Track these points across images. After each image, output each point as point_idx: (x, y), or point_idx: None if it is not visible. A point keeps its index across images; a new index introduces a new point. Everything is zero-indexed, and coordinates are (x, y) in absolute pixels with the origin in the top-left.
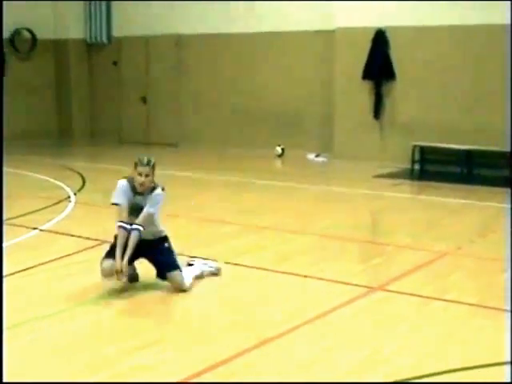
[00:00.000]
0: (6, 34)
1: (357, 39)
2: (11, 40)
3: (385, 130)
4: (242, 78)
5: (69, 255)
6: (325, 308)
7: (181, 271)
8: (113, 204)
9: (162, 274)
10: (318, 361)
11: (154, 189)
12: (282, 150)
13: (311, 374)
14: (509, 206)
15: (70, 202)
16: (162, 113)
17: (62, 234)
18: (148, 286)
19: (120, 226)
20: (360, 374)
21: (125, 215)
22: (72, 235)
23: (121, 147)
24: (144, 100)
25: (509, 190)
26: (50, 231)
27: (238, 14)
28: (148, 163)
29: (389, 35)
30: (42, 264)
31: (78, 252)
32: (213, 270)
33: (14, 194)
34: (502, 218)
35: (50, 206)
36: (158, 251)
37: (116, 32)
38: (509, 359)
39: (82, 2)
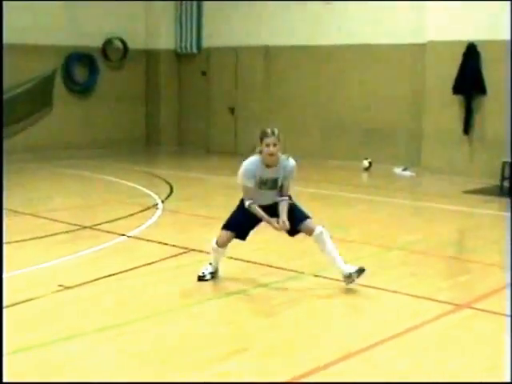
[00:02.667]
0: (98, 43)
1: (448, 53)
2: (103, 49)
3: (474, 145)
4: (331, 90)
5: (156, 262)
6: (412, 323)
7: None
8: (242, 184)
9: (295, 224)
10: (401, 377)
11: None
12: (370, 163)
13: None
14: None
15: (157, 209)
16: (249, 123)
17: (149, 240)
18: (232, 295)
19: (251, 204)
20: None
21: (250, 193)
22: (159, 242)
23: (208, 157)
24: (232, 111)
25: None
26: (138, 238)
27: (327, 27)
28: (273, 133)
29: (480, 49)
30: (130, 270)
31: (164, 259)
32: None
33: (103, 200)
34: None
35: (138, 212)
36: (290, 209)
37: (206, 42)
38: None
39: (173, 12)
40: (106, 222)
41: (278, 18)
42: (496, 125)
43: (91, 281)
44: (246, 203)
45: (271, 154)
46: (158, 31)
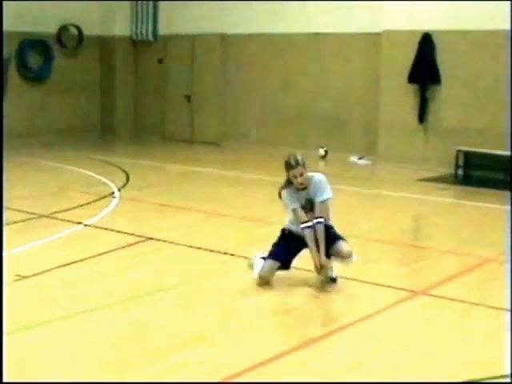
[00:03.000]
0: (53, 30)
1: (403, 42)
2: (58, 35)
3: (429, 134)
4: (286, 78)
5: (113, 250)
6: (368, 311)
7: (346, 242)
8: (292, 210)
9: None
10: (361, 363)
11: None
12: (326, 151)
13: (356, 376)
14: None
15: (114, 197)
16: (205, 111)
17: (107, 229)
18: (190, 283)
19: (304, 228)
20: (404, 376)
21: (303, 216)
22: (116, 231)
23: (164, 145)
24: (188, 98)
25: None
26: (95, 226)
27: (283, 15)
28: (297, 163)
29: (435, 39)
30: (88, 258)
31: (122, 247)
32: None
33: (59, 189)
34: None
35: (95, 201)
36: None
37: (162, 30)
38: None
39: None
40: (63, 211)
41: (235, 6)
42: (450, 114)
43: (49, 270)
44: (301, 226)
45: (301, 184)
46: (113, 18)
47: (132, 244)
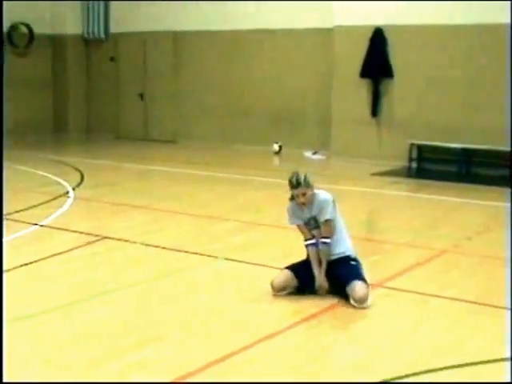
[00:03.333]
0: (3, 28)
1: (355, 37)
2: (8, 34)
3: (382, 128)
4: (240, 75)
5: (69, 250)
6: (327, 304)
7: (365, 281)
8: (297, 226)
9: (340, 286)
10: (317, 356)
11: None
12: (280, 147)
13: (309, 371)
14: (507, 204)
15: (68, 197)
16: (159, 109)
17: (62, 229)
18: (148, 282)
19: (307, 245)
20: (359, 369)
21: (306, 232)
22: (72, 230)
23: (118, 143)
24: (141, 96)
25: (506, 188)
26: (50, 226)
27: (235, 12)
28: (299, 184)
29: (387, 34)
30: (44, 259)
31: (78, 247)
32: None
33: (13, 189)
34: (499, 216)
35: (49, 201)
36: (340, 265)
37: (113, 28)
38: (508, 356)
39: None
40: (17, 212)
41: (186, 3)
42: (403, 108)
43: (5, 271)
44: (304, 243)
45: (303, 204)
46: (64, 17)
47: (88, 243)
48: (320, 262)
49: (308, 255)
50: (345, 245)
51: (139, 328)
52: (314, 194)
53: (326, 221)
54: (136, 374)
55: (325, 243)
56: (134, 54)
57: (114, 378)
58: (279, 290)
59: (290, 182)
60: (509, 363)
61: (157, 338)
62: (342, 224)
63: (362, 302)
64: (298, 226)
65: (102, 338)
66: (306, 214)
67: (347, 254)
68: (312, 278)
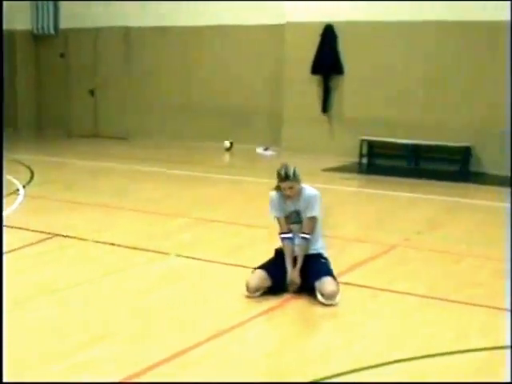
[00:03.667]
0: None
1: (306, 34)
2: None
3: (333, 124)
4: (191, 71)
5: (20, 248)
6: (277, 300)
7: (335, 279)
8: (275, 218)
9: (309, 282)
10: (272, 350)
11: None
12: (231, 143)
13: (262, 366)
14: (457, 199)
15: (18, 195)
16: (110, 106)
17: (12, 227)
18: (97, 280)
19: (284, 238)
20: (310, 364)
21: (284, 226)
22: (22, 228)
23: (69, 140)
24: (92, 93)
25: (456, 183)
26: None
27: (186, 7)
28: (287, 177)
29: (338, 30)
30: None
31: (29, 245)
32: None
33: None
34: (448, 211)
35: None
36: (310, 262)
37: (64, 23)
38: (459, 348)
39: None
40: None
41: None
42: (353, 104)
43: None
44: (281, 236)
45: (289, 196)
46: (13, 12)
47: (39, 241)
48: (294, 258)
49: (276, 253)
50: (319, 243)
51: (89, 326)
52: (301, 188)
53: (312, 217)
54: (85, 372)
55: (305, 239)
56: (84, 50)
57: (62, 377)
58: (254, 292)
59: (279, 174)
60: (458, 356)
61: (107, 336)
62: (320, 222)
63: (330, 298)
64: (278, 218)
65: (51, 336)
66: (290, 207)
67: (319, 251)
68: (284, 277)
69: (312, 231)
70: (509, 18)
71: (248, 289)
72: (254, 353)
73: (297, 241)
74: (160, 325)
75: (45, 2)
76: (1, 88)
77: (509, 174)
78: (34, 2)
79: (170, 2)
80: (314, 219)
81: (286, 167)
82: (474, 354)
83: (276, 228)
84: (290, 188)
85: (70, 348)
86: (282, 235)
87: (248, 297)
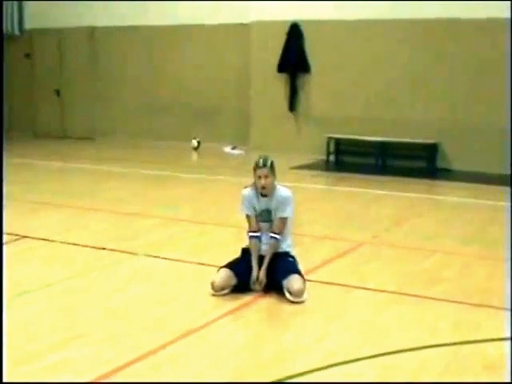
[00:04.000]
0: None
1: (272, 33)
2: None
3: (300, 122)
4: (156, 70)
5: None
6: (247, 298)
7: (302, 277)
8: (246, 216)
9: (276, 281)
10: (243, 347)
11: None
12: (198, 142)
13: (231, 366)
14: (423, 195)
15: None
16: (77, 106)
17: None
18: (66, 281)
19: (251, 237)
20: (280, 361)
21: (253, 224)
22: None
23: (35, 141)
24: (58, 93)
25: (423, 180)
26: None
27: (152, 7)
28: (265, 164)
29: (303, 29)
30: None
31: None
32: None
33: None
34: (416, 207)
35: None
36: (277, 260)
37: (28, 24)
38: (429, 343)
39: None
40: None
41: None
42: (320, 102)
43: None
44: (249, 234)
45: (263, 187)
46: None
47: (7, 243)
48: (261, 257)
49: (243, 252)
50: (287, 242)
51: (58, 327)
52: (275, 187)
53: (284, 218)
54: (56, 373)
55: (274, 238)
56: (50, 50)
57: (34, 378)
58: (219, 290)
59: (256, 162)
60: (429, 350)
61: (77, 337)
62: (290, 222)
63: (297, 295)
64: (248, 216)
65: (22, 338)
66: (262, 205)
67: (286, 250)
68: (250, 275)
69: (282, 231)
70: (484, 17)
71: (213, 287)
72: (224, 351)
73: (265, 239)
74: (130, 324)
75: (9, 1)
76: (0, 90)
77: (474, 170)
78: None
79: (136, 1)
80: (285, 220)
81: (263, 157)
82: (444, 349)
83: (244, 227)
84: (266, 177)
85: (42, 349)
86: (250, 233)
87: (214, 295)
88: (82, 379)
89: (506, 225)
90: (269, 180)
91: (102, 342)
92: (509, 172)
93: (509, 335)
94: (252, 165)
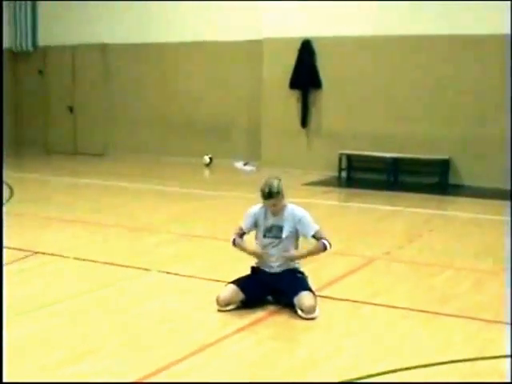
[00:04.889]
0: None
1: (284, 49)
2: None
3: (312, 138)
4: (170, 87)
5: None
6: (259, 314)
7: (312, 293)
8: (240, 228)
9: (287, 298)
10: (256, 363)
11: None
12: (210, 158)
13: (249, 380)
14: (436, 211)
15: None
16: (89, 122)
17: None
18: (81, 296)
19: (233, 238)
20: (293, 377)
21: (238, 235)
22: (5, 246)
23: (48, 157)
24: (71, 109)
25: (435, 195)
26: None
27: (164, 23)
28: (271, 194)
29: (315, 45)
30: None
31: (10, 263)
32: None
33: None
34: (428, 223)
35: None
36: (287, 278)
37: (41, 40)
38: (441, 360)
39: (6, 10)
40: None
41: (115, 15)
42: (332, 118)
43: None
44: (232, 238)
45: (274, 213)
46: None
47: (19, 259)
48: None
49: (252, 270)
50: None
51: (73, 342)
52: (286, 204)
53: (317, 231)
54: None
55: (321, 241)
56: (62, 67)
57: None
58: (225, 305)
59: (262, 192)
60: (441, 367)
61: (91, 351)
62: (300, 238)
63: (309, 312)
64: (240, 226)
65: (36, 352)
66: (268, 221)
67: (295, 266)
68: (258, 292)
69: (324, 237)
70: (472, 33)
71: (218, 302)
72: (237, 367)
73: (273, 255)
74: (143, 340)
75: (23, 18)
76: (0, 94)
77: (486, 186)
78: (12, 19)
79: (149, 18)
80: (318, 232)
81: (269, 185)
82: (457, 365)
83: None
84: (274, 205)
85: (55, 364)
86: (235, 236)
87: (220, 311)
88: None
89: None
90: (278, 206)
91: (113, 357)
92: None
93: None
94: (263, 181)
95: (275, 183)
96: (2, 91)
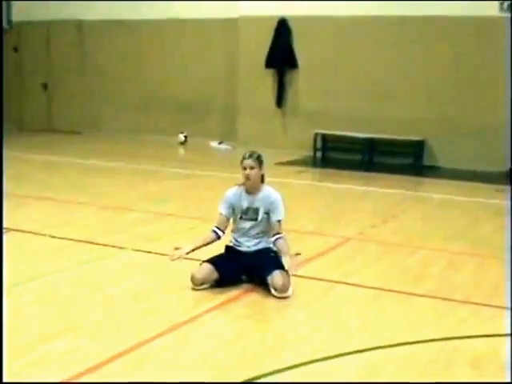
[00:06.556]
0: None
1: (260, 28)
2: None
3: (287, 118)
4: (144, 65)
5: None
6: (232, 294)
7: (286, 272)
8: (220, 213)
9: (261, 277)
10: (230, 341)
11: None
12: (185, 137)
13: (217, 359)
14: (410, 192)
15: None
16: (64, 99)
17: None
18: (55, 274)
19: (214, 231)
20: (265, 356)
21: (222, 224)
22: None
23: (21, 134)
24: (45, 86)
25: (409, 177)
26: None
27: (140, 1)
28: (251, 155)
29: (291, 24)
30: None
31: None
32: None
33: None
34: (402, 204)
35: None
36: (260, 257)
37: (16, 17)
38: (412, 339)
39: None
40: None
41: None
42: (307, 98)
43: None
44: (212, 228)
45: (247, 178)
46: None
47: None
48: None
49: (226, 249)
50: (269, 238)
51: (47, 321)
52: (262, 185)
53: (279, 220)
54: (44, 366)
55: (281, 238)
56: (37, 44)
57: (25, 370)
58: (200, 284)
59: (243, 156)
60: (413, 346)
61: (68, 329)
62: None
63: (282, 291)
64: (221, 214)
65: (9, 331)
66: (247, 203)
67: (268, 246)
68: (233, 271)
69: (281, 231)
70: (475, 15)
71: (193, 281)
72: (210, 345)
73: (248, 237)
74: (119, 318)
75: None
76: (0, 89)
77: (460, 167)
78: None
79: None
80: (281, 221)
81: (252, 151)
82: (429, 345)
83: (230, 224)
84: (251, 168)
85: (30, 342)
86: (215, 228)
87: (194, 289)
88: (69, 372)
89: (492, 222)
90: (254, 171)
91: (89, 335)
92: (494, 169)
93: (493, 332)
94: (239, 160)
95: (257, 152)
96: (2, 84)
